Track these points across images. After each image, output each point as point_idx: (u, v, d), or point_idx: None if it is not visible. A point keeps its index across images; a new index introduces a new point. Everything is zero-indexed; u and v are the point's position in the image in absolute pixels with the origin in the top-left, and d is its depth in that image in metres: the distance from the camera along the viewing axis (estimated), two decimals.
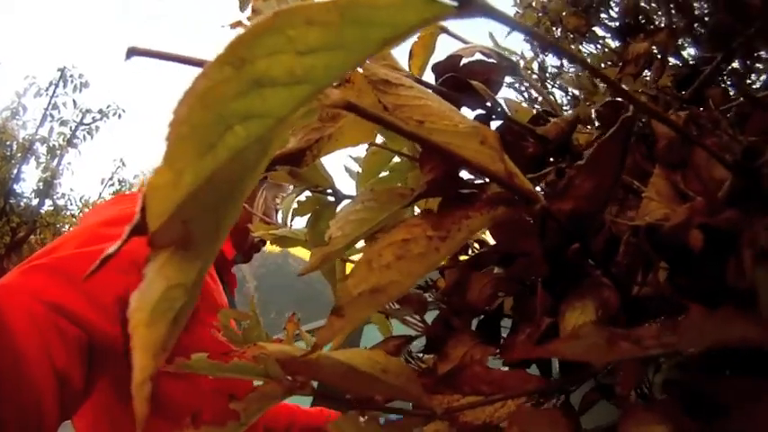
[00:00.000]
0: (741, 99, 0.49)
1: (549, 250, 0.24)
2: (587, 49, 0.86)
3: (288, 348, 0.20)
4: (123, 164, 7.62)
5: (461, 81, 0.28)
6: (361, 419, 0.24)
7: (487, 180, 0.30)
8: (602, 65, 0.74)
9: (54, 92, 6.29)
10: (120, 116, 7.13)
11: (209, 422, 0.72)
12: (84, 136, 6.66)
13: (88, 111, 6.70)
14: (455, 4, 0.11)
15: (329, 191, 0.35)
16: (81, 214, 7.10)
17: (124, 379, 0.69)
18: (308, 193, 0.38)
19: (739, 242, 0.27)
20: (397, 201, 0.29)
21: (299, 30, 0.12)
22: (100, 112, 6.92)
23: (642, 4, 0.77)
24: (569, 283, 0.25)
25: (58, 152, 6.38)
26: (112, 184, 7.47)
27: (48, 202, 6.31)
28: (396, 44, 0.12)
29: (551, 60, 0.97)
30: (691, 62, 0.61)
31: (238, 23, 0.34)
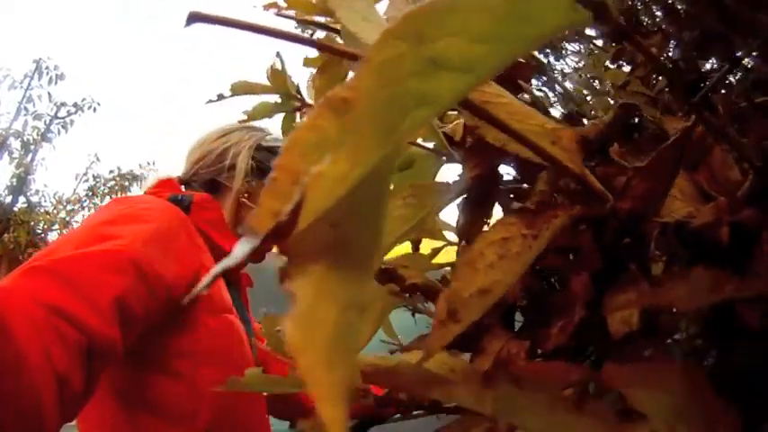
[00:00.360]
0: (743, 104, 0.52)
1: (605, 247, 0.25)
2: (573, 47, 0.87)
3: (371, 359, 0.20)
4: (98, 159, 7.43)
5: (506, 79, 0.29)
6: None
7: (525, 184, 0.30)
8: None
9: (29, 84, 6.09)
10: (95, 110, 6.96)
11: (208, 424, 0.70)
12: (58, 130, 6.49)
13: (63, 104, 6.52)
14: (590, 13, 0.12)
15: None
16: (55, 211, 6.91)
17: (122, 380, 0.68)
18: None
19: (762, 238, 0.28)
20: (438, 197, 0.30)
21: (474, 15, 0.11)
22: (75, 105, 6.74)
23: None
24: (611, 278, 0.26)
25: (32, 147, 6.18)
26: (86, 180, 7.28)
27: (21, 199, 6.11)
28: (541, 42, 0.13)
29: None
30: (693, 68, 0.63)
31: (273, 5, 0.33)
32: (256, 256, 0.63)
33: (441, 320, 0.18)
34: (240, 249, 0.12)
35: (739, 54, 0.58)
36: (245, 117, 0.51)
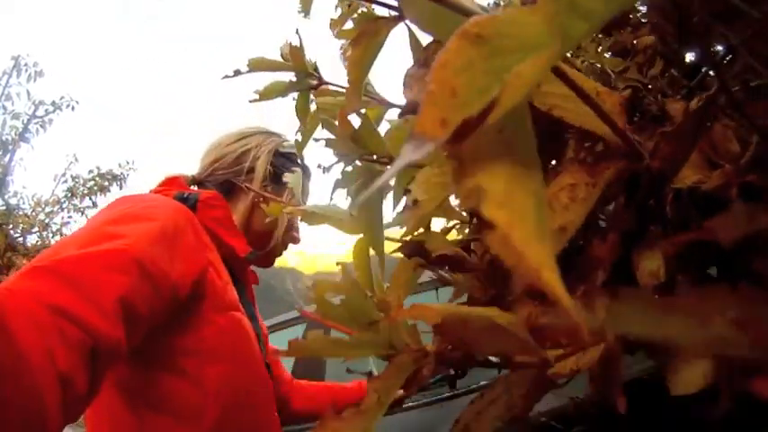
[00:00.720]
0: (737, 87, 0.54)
1: (637, 204, 0.26)
2: None
3: (438, 307, 0.21)
4: (76, 159, 7.26)
5: None
6: None
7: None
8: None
9: (7, 81, 5.93)
10: (73, 108, 6.81)
11: (217, 421, 0.69)
12: (36, 129, 6.32)
13: (41, 102, 6.36)
14: None
15: (384, 159, 0.36)
16: (34, 213, 6.73)
17: (128, 380, 0.67)
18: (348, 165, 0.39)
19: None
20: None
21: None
22: (53, 104, 6.58)
23: None
24: (636, 236, 0.28)
25: (11, 147, 6.01)
26: (65, 181, 7.10)
27: None
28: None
29: None
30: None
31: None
32: (266, 261, 0.65)
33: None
34: (408, 154, 0.13)
35: (734, 42, 0.61)
36: (257, 96, 0.52)
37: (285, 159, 0.92)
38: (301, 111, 0.50)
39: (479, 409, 0.28)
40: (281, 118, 0.97)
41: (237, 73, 0.46)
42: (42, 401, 0.43)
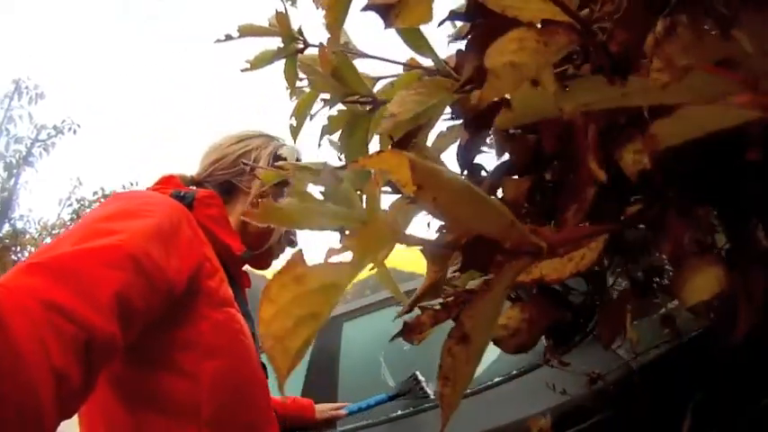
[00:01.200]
0: None
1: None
2: None
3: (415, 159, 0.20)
4: (80, 183, 7.32)
5: None
6: None
7: None
8: None
9: (9, 104, 6.02)
10: (75, 131, 6.90)
11: (211, 418, 0.68)
12: (40, 153, 6.41)
13: (43, 126, 6.45)
14: None
15: (366, 99, 0.39)
16: (40, 237, 6.79)
17: (123, 376, 0.67)
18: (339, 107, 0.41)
19: None
20: (444, 90, 0.34)
21: None
22: (54, 128, 6.67)
23: None
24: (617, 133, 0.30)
25: (15, 170, 6.09)
26: (71, 205, 7.17)
27: (6, 225, 5.98)
28: None
29: None
30: None
31: None
32: (263, 263, 0.68)
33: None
34: None
35: None
36: (248, 66, 0.54)
37: (284, 162, 0.91)
38: (289, 75, 0.52)
39: (474, 314, 0.25)
40: (282, 122, 0.98)
41: (229, 38, 0.49)
42: (38, 397, 0.44)
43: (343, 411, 1.35)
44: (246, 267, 0.94)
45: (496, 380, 1.26)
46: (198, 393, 0.67)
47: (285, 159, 0.93)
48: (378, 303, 1.81)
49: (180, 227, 0.68)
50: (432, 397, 1.39)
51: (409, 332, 0.41)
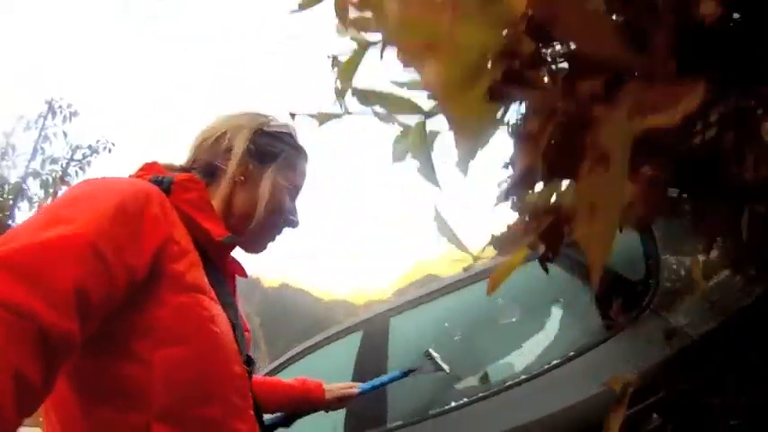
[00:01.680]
0: None
1: None
2: None
3: None
4: None
5: None
6: None
7: None
8: None
9: (43, 124, 6.26)
10: (110, 150, 7.10)
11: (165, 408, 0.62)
12: (75, 172, 6.62)
13: (78, 147, 6.67)
14: None
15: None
16: None
17: (77, 370, 0.62)
18: None
19: None
20: None
21: None
22: (89, 147, 6.88)
23: None
24: None
25: (51, 189, 6.31)
26: None
27: None
28: None
29: None
30: None
31: None
32: (254, 246, 0.66)
33: None
34: None
35: None
36: (297, 7, 0.52)
37: (271, 138, 0.88)
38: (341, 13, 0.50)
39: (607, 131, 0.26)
40: (280, 121, 0.94)
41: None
42: None
43: (355, 390, 1.29)
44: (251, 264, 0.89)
45: (554, 362, 1.21)
46: (149, 383, 0.62)
47: (275, 136, 0.88)
48: (423, 297, 1.78)
49: (146, 208, 0.65)
50: (447, 371, 1.36)
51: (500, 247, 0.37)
